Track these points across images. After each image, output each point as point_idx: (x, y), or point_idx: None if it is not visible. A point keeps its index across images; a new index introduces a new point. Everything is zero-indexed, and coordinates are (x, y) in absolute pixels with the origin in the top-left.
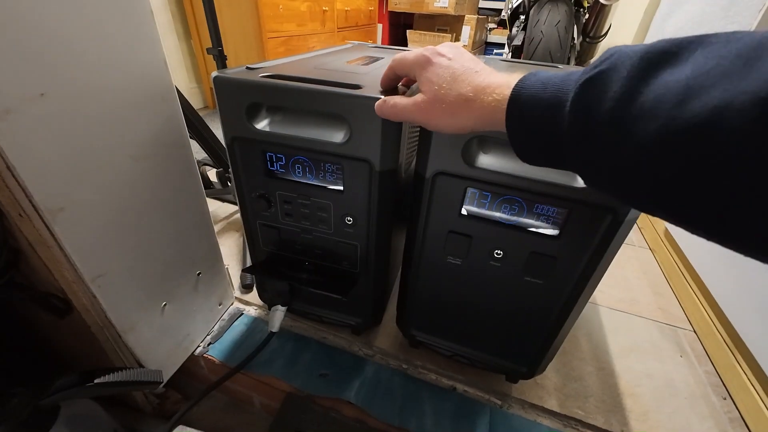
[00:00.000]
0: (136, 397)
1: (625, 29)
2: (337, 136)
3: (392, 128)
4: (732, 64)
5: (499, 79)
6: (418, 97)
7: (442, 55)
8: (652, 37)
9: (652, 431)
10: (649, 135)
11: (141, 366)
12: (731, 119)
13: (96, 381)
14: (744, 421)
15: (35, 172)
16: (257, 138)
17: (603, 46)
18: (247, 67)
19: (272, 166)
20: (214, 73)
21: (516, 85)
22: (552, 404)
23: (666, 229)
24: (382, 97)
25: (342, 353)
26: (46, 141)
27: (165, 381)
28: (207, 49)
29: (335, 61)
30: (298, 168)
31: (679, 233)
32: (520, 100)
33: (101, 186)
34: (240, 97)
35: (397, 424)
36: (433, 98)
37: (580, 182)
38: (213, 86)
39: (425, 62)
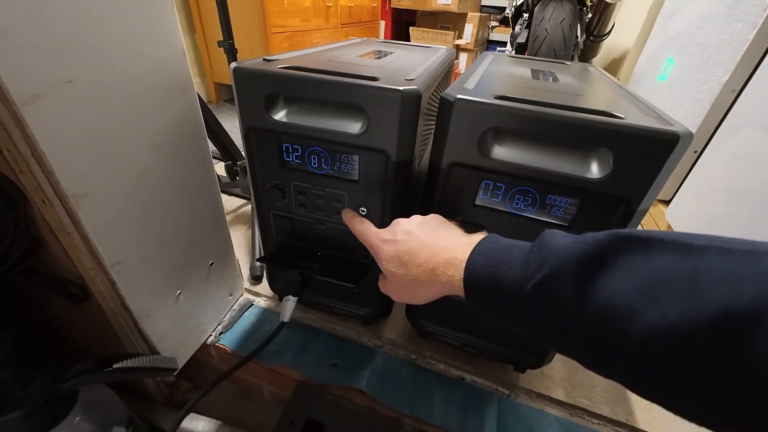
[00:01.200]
0: (147, 385)
1: (628, 28)
2: (354, 127)
3: (410, 120)
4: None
5: (445, 256)
6: (381, 277)
7: (387, 241)
8: (656, 36)
9: (656, 421)
10: (609, 342)
11: (156, 353)
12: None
13: (115, 366)
14: None
15: (62, 157)
16: (274, 128)
17: (606, 45)
18: (264, 59)
19: (288, 156)
20: (234, 64)
21: (466, 269)
22: (559, 394)
23: (668, 225)
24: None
25: (351, 344)
26: (73, 127)
27: (179, 368)
28: (218, 42)
29: (346, 55)
30: (314, 159)
31: (680, 228)
32: (475, 285)
33: (122, 173)
34: (259, 88)
35: (408, 412)
36: (391, 281)
37: (593, 173)
38: (232, 77)
39: (376, 250)
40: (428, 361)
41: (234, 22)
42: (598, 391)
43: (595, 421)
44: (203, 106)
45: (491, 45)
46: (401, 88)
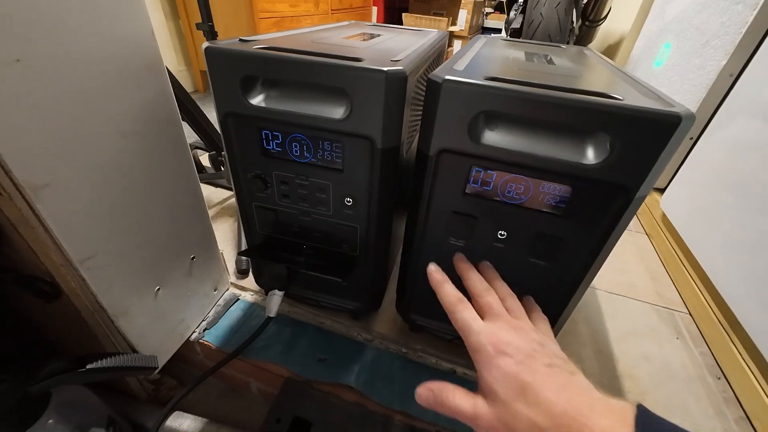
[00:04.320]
0: (130, 384)
1: (624, 13)
2: (337, 112)
3: (395, 103)
4: None
5: (597, 414)
6: (480, 408)
7: (507, 355)
8: (653, 21)
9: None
10: None
11: (135, 351)
12: None
13: (88, 366)
14: (738, 399)
15: (13, 144)
16: (252, 114)
17: (602, 30)
18: (240, 39)
19: (268, 144)
20: (206, 44)
21: None
22: None
23: (663, 214)
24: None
25: (340, 338)
26: (26, 112)
27: (160, 367)
28: (196, 25)
29: (332, 37)
30: (296, 146)
31: (677, 219)
32: None
33: (88, 162)
34: (234, 70)
35: (398, 407)
36: (497, 418)
37: (589, 158)
38: (205, 59)
39: (487, 358)
40: (419, 355)
41: (219, 6)
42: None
43: None
44: (183, 93)
45: (486, 32)
46: (386, 68)
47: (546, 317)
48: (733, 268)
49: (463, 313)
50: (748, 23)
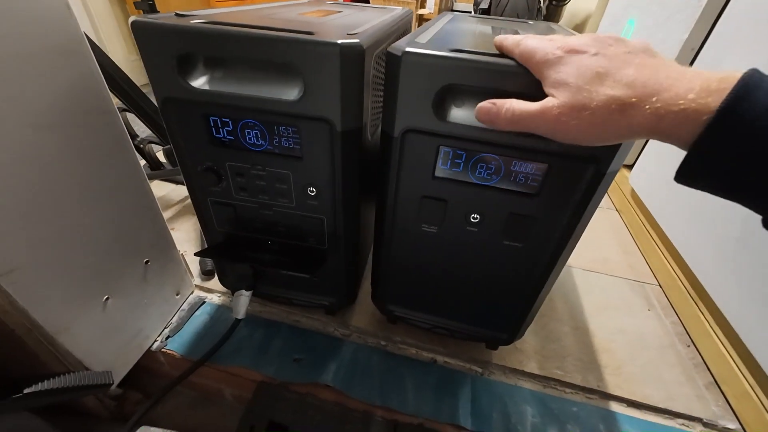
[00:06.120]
0: (87, 402)
1: None
2: (291, 93)
3: (353, 80)
4: None
5: (687, 76)
6: (549, 101)
7: (581, 52)
8: (614, 3)
9: (625, 383)
10: None
11: (85, 369)
12: None
13: (25, 391)
14: (707, 365)
15: None
16: (195, 98)
17: (568, 9)
18: (177, 14)
19: (218, 132)
20: (132, 18)
21: (736, 94)
22: (532, 367)
23: (632, 189)
24: (490, 103)
25: (316, 336)
26: None
27: (117, 382)
28: (135, 3)
29: (286, 13)
30: (249, 133)
31: (645, 194)
32: (749, 120)
33: None
34: (167, 47)
35: (378, 402)
36: (570, 103)
37: None
38: (133, 36)
39: (555, 61)
40: (399, 347)
41: None
42: (570, 360)
43: (568, 390)
44: (126, 81)
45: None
46: (340, 41)
47: None
48: (699, 239)
49: (528, 40)
50: None
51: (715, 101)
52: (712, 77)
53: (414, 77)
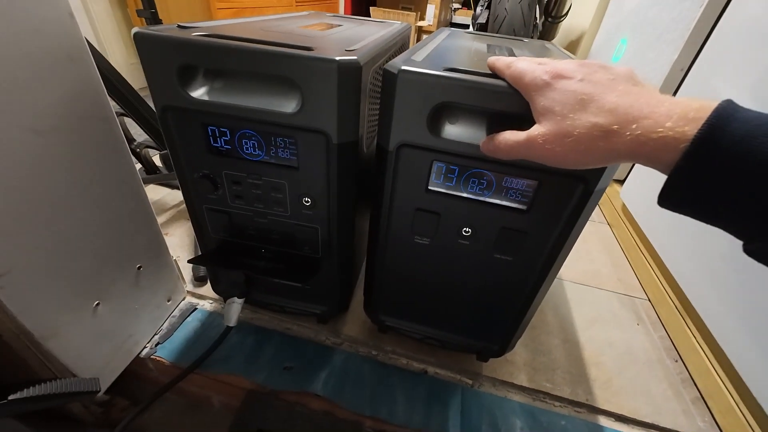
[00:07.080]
0: (72, 409)
1: (584, 9)
2: (288, 105)
3: (350, 95)
4: None
5: (666, 104)
6: (534, 129)
7: (567, 78)
8: (610, 16)
9: (614, 397)
10: None
11: (73, 375)
12: None
13: (11, 398)
14: (693, 380)
15: None
16: (194, 108)
17: (564, 27)
18: (179, 26)
19: (216, 141)
20: (135, 29)
21: (712, 121)
22: (522, 379)
23: (623, 204)
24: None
25: (308, 344)
26: None
27: (104, 389)
28: (137, 11)
29: (287, 26)
30: (246, 143)
31: (635, 209)
32: (723, 144)
33: None
34: (169, 59)
35: (368, 413)
36: (554, 131)
37: None
38: (135, 46)
39: (543, 86)
40: (390, 357)
41: None
42: (559, 373)
43: (556, 404)
44: (125, 86)
45: (454, 27)
46: (338, 58)
47: None
48: (687, 255)
49: (518, 62)
50: (696, 19)
51: (692, 130)
52: (690, 106)
53: (409, 94)
